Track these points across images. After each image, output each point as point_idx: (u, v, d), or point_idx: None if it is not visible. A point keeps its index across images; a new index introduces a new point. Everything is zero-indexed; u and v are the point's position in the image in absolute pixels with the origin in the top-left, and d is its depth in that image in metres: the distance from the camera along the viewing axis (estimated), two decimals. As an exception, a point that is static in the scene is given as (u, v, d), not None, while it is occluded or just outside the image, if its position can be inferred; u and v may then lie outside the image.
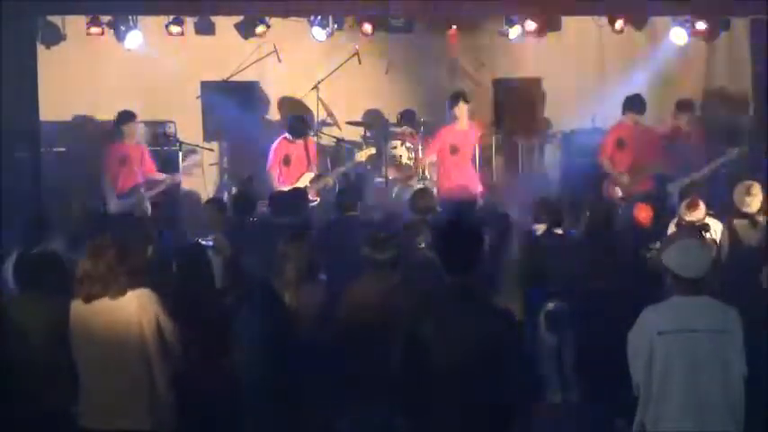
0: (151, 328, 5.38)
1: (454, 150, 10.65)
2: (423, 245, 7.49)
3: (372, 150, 11.23)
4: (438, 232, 5.04)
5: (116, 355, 5.35)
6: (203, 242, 6.91)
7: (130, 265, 5.43)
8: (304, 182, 10.75)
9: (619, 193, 10.40)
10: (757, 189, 8.14)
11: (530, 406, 4.88)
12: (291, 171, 10.86)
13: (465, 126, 10.66)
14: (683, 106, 10.91)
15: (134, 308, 5.36)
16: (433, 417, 4.65)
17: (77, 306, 5.45)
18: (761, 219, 8.03)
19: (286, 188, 10.43)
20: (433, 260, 7.32)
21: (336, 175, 11.17)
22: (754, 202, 8.15)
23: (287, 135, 10.91)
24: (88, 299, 5.38)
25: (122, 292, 5.36)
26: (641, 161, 10.53)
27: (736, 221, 8.09)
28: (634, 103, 10.59)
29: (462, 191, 10.50)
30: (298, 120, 11.01)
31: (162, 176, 10.79)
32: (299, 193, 9.50)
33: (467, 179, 10.66)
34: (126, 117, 10.60)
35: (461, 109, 10.56)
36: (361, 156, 11.19)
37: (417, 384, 4.65)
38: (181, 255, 6.51)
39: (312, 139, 11.14)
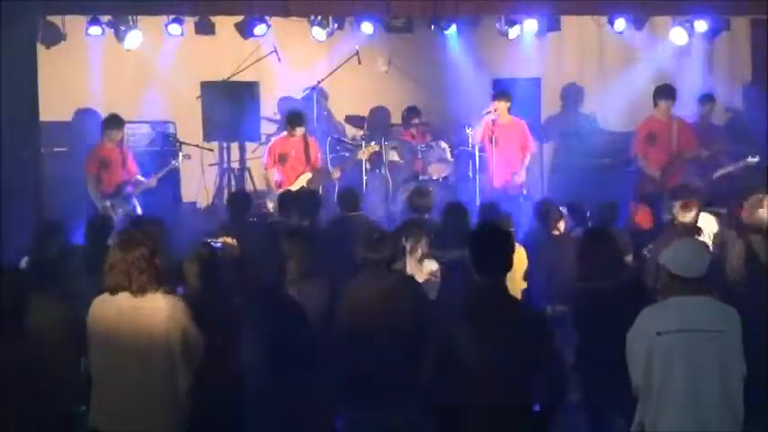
0: (178, 338, 5.32)
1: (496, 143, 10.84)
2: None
3: (375, 148, 11.23)
4: (475, 236, 5.08)
5: (140, 360, 5.29)
6: (212, 243, 6.88)
7: (156, 262, 5.37)
8: (301, 182, 10.73)
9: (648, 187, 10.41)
10: None
11: (561, 406, 4.89)
12: (288, 170, 10.86)
13: (506, 119, 10.85)
14: (706, 98, 10.95)
15: (163, 317, 5.29)
16: (467, 418, 4.64)
17: (101, 303, 5.39)
18: None
19: (284, 189, 10.47)
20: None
21: (337, 175, 11.16)
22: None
23: (285, 132, 10.93)
24: (112, 290, 5.31)
25: (144, 290, 5.28)
26: (675, 154, 10.51)
27: (751, 237, 7.58)
28: (664, 91, 10.60)
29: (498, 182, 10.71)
30: (293, 112, 11.01)
31: (143, 180, 10.78)
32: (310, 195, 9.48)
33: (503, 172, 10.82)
34: (114, 122, 10.64)
35: (501, 105, 10.79)
36: (363, 153, 11.19)
37: (451, 386, 4.64)
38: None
39: (313, 139, 11.13)
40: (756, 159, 10.32)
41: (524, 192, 10.83)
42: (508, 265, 4.86)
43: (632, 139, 10.79)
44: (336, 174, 11.01)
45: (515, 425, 4.60)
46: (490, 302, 4.75)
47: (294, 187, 10.49)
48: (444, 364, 4.66)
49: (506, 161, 10.84)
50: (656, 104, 10.59)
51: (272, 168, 10.92)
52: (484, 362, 4.60)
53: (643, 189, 10.43)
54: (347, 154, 11.67)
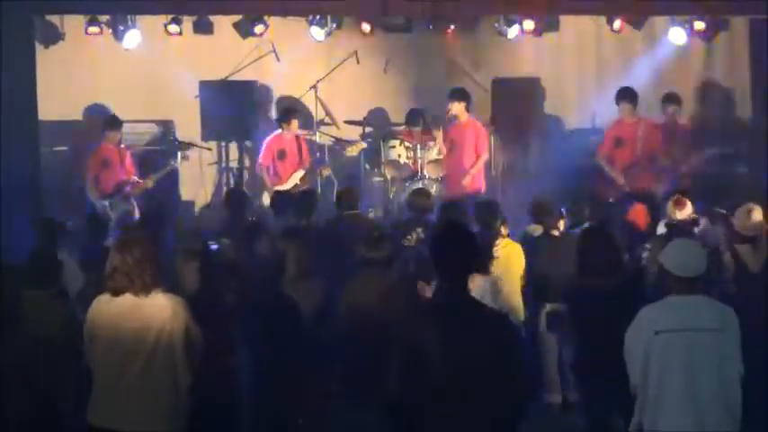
0: (181, 334, 5.34)
1: (452, 145, 10.89)
2: (414, 243, 7.54)
3: (363, 145, 11.30)
4: (434, 237, 4.88)
5: (143, 358, 5.29)
6: (210, 245, 6.88)
7: (156, 261, 5.39)
8: (296, 179, 10.87)
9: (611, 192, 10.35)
10: (758, 212, 7.85)
11: (529, 410, 4.80)
12: (286, 166, 10.97)
13: (464, 119, 10.90)
14: (671, 98, 10.93)
15: (167, 314, 5.31)
16: (431, 420, 4.52)
17: (103, 302, 5.38)
18: (762, 242, 7.66)
19: (280, 186, 10.68)
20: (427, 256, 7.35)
21: (326, 173, 11.24)
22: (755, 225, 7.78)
23: (280, 129, 11.02)
24: (115, 292, 5.31)
25: (147, 290, 5.30)
26: (642, 158, 10.49)
27: (738, 246, 7.47)
28: (622, 93, 10.60)
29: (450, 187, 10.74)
30: (285, 106, 11.19)
31: (139, 182, 10.79)
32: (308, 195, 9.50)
33: (456, 175, 10.83)
34: (113, 123, 10.71)
35: (455, 106, 10.81)
36: (352, 151, 11.28)
37: (417, 397, 4.49)
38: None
39: (303, 137, 11.21)
40: (715, 151, 10.48)
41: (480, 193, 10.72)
42: (469, 266, 4.62)
43: (601, 141, 10.83)
44: (326, 172, 11.09)
45: (479, 427, 4.47)
46: (451, 304, 4.58)
47: (290, 183, 10.71)
48: (409, 364, 4.49)
49: (460, 165, 10.88)
50: (618, 103, 10.64)
51: (267, 163, 10.97)
52: (447, 364, 4.45)
53: (601, 193, 10.35)
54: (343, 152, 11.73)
